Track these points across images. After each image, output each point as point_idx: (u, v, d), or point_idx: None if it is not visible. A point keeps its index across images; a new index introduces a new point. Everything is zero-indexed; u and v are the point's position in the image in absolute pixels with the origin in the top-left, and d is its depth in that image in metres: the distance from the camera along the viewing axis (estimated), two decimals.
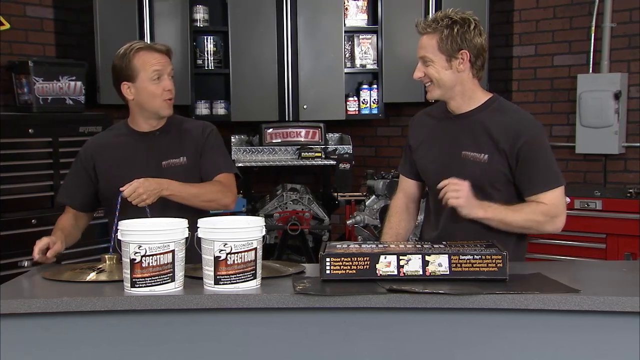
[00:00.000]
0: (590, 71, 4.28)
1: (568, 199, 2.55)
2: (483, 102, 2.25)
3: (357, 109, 4.64)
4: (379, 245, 2.00)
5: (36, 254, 2.19)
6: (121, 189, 2.20)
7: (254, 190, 4.59)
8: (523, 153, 2.16)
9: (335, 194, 4.35)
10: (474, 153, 2.20)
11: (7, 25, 3.92)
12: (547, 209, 2.16)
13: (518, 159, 2.17)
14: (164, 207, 2.26)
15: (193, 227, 1.89)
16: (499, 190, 2.21)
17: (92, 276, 2.04)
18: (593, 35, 4.26)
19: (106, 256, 2.11)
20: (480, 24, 2.20)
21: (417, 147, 2.38)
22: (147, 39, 4.17)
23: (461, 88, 2.21)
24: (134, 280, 1.83)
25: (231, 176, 2.47)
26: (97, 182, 2.45)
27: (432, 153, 2.32)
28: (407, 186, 2.46)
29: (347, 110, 4.59)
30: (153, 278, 1.83)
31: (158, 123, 2.45)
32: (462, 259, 1.85)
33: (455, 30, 2.14)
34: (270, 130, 4.51)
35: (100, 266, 2.10)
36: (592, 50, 4.28)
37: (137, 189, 2.19)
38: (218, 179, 2.43)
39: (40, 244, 2.20)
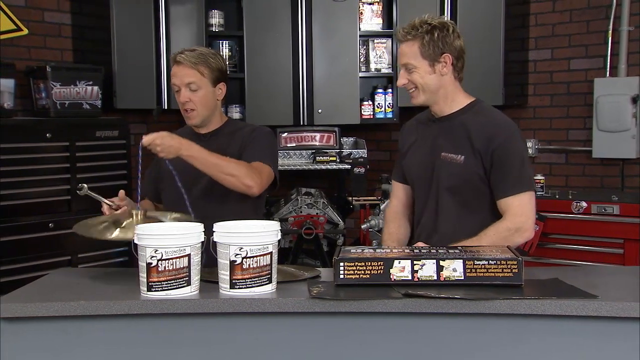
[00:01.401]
0: (607, 75, 4.24)
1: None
2: (465, 104, 2.30)
3: (371, 113, 4.63)
4: (393, 250, 2.00)
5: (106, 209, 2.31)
6: (143, 136, 2.24)
7: (269, 195, 4.57)
8: (497, 155, 2.18)
9: (350, 198, 4.35)
10: (451, 154, 2.25)
11: (25, 31, 3.97)
12: (510, 222, 2.15)
13: (492, 161, 2.19)
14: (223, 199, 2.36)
15: (210, 231, 1.90)
16: (475, 191, 2.24)
17: (116, 234, 2.10)
18: (610, 38, 4.23)
19: (133, 211, 2.17)
20: (457, 27, 2.26)
21: (405, 152, 2.43)
22: (163, 44, 4.21)
23: (444, 91, 2.27)
24: (150, 284, 1.84)
25: (265, 167, 2.42)
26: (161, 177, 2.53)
27: (416, 156, 2.37)
28: (400, 192, 2.49)
29: (361, 115, 4.58)
30: (169, 282, 1.84)
31: (206, 128, 2.52)
32: (477, 264, 1.84)
33: (436, 35, 2.20)
34: (285, 134, 4.51)
35: (125, 222, 2.14)
36: (609, 53, 4.24)
37: (154, 140, 2.21)
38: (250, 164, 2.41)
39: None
